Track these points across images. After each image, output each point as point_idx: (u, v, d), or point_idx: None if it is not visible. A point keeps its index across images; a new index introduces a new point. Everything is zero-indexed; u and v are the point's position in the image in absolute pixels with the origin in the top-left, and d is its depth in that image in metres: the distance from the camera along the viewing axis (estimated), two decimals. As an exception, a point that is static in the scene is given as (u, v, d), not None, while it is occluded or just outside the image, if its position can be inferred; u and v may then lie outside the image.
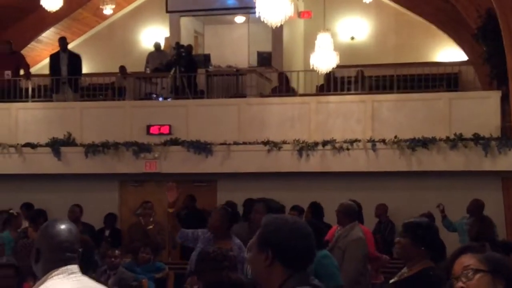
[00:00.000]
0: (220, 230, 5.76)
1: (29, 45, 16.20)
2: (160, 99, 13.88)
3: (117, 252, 7.33)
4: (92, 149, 12.60)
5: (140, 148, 12.52)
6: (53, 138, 12.75)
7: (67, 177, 12.89)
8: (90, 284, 2.92)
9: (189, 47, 14.53)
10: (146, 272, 7.91)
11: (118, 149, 12.59)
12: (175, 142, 12.54)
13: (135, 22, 17.45)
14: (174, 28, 16.01)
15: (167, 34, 16.45)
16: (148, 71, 14.77)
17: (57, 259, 2.85)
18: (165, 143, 12.55)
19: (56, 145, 12.72)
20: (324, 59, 11.53)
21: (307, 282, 2.52)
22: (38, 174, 12.86)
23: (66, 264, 2.85)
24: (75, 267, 2.88)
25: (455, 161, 11.69)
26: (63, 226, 2.91)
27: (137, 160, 12.58)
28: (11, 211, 10.89)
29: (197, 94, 13.40)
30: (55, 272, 2.82)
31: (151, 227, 9.73)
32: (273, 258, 2.49)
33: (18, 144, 12.83)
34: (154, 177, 12.89)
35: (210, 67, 15.08)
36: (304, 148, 12.13)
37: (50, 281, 2.80)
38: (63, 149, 12.73)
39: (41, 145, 12.78)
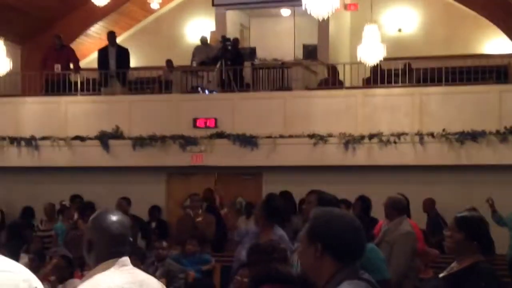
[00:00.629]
0: (261, 221, 5.77)
1: (77, 39, 16.44)
2: (206, 92, 13.94)
3: (164, 244, 7.40)
4: (139, 142, 12.74)
5: (186, 141, 12.61)
6: (102, 131, 12.91)
7: (115, 169, 13.05)
8: (142, 276, 2.91)
9: (236, 40, 14.55)
10: (193, 264, 7.98)
11: (165, 142, 12.69)
12: (221, 135, 12.59)
13: (182, 16, 17.57)
14: (220, 22, 16.05)
15: (213, 27, 16.51)
16: (194, 64, 14.85)
17: (109, 251, 2.85)
18: (211, 136, 12.60)
19: (104, 138, 12.88)
20: (371, 51, 11.42)
21: (357, 275, 2.51)
22: (87, 167, 13.06)
23: (117, 256, 2.85)
24: (126, 260, 2.87)
25: (505, 154, 11.46)
26: (115, 218, 2.91)
27: (183, 153, 12.67)
28: (63, 202, 11.14)
29: (243, 87, 13.42)
30: (106, 264, 2.82)
31: (199, 219, 9.78)
32: (323, 250, 2.48)
33: (67, 137, 13.04)
34: (200, 170, 12.97)
35: (256, 60, 15.07)
36: (350, 141, 12.05)
37: (101, 274, 2.80)
38: (111, 142, 12.89)
39: (90, 138, 12.96)
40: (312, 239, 2.52)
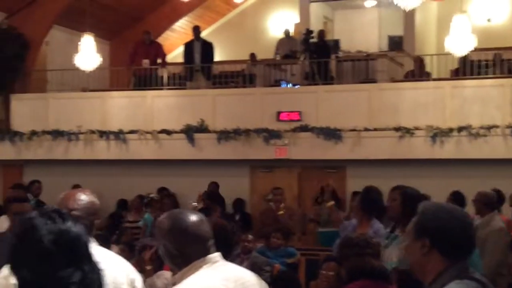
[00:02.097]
0: (358, 214, 5.70)
1: (163, 35, 16.72)
2: (290, 85, 13.90)
3: (250, 237, 7.40)
4: (224, 135, 12.82)
5: (270, 135, 12.60)
6: (187, 124, 13.07)
7: (200, 163, 13.21)
8: (237, 271, 2.84)
9: (322, 32, 14.41)
10: (278, 257, 7.96)
11: (249, 136, 12.73)
12: (304, 128, 12.52)
13: (265, 9, 17.58)
14: (304, 14, 15.97)
15: (297, 20, 16.44)
16: (278, 57, 14.83)
17: (198, 249, 2.75)
18: (294, 130, 12.55)
19: (189, 132, 13.03)
20: (460, 42, 11.06)
21: (467, 274, 2.39)
22: (173, 160, 13.26)
23: (207, 253, 2.76)
24: (217, 255, 2.79)
25: None
26: (194, 217, 2.79)
27: (267, 146, 12.67)
28: (151, 195, 11.35)
29: (327, 80, 13.30)
30: (199, 263, 2.73)
31: (282, 212, 9.77)
32: (431, 246, 2.39)
33: (154, 130, 13.27)
34: (284, 163, 12.95)
35: (340, 52, 14.92)
36: (438, 134, 11.74)
37: (196, 274, 2.71)
38: (196, 135, 13.03)
39: (175, 132, 13.14)
40: (419, 234, 2.43)
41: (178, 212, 2.88)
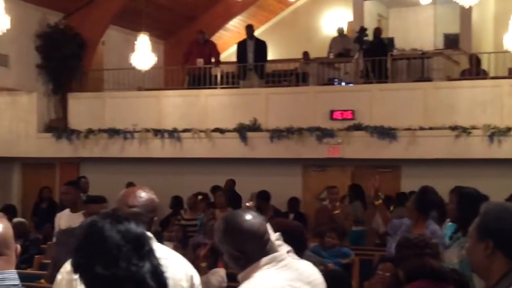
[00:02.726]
0: (413, 215, 5.61)
1: (217, 34, 16.81)
2: (343, 84, 13.80)
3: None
4: (276, 134, 12.82)
5: (323, 133, 12.54)
6: (240, 123, 13.12)
7: (253, 161, 13.24)
8: (304, 270, 2.79)
9: (377, 30, 14.26)
10: (332, 256, 7.91)
11: (302, 134, 12.69)
12: (358, 127, 12.42)
13: (319, 8, 17.51)
14: (358, 12, 15.85)
15: (351, 18, 16.32)
16: (331, 56, 14.75)
17: (256, 246, 2.70)
18: (348, 128, 12.46)
19: (242, 130, 13.08)
20: (519, 39, 10.80)
21: None
22: (226, 158, 13.33)
23: (266, 249, 2.71)
24: (283, 253, 2.75)
25: None
26: (248, 217, 2.76)
27: (320, 145, 12.61)
28: (199, 197, 11.42)
29: (382, 78, 13.16)
30: (263, 262, 2.67)
31: (337, 212, 9.70)
32: (494, 247, 2.32)
33: (207, 129, 13.35)
34: (336, 162, 12.88)
35: (394, 50, 14.74)
36: (496, 133, 11.49)
37: (259, 273, 2.66)
38: (249, 134, 13.06)
39: (228, 130, 13.20)
40: (482, 236, 2.36)
41: (231, 213, 2.89)
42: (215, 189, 12.19)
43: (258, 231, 2.71)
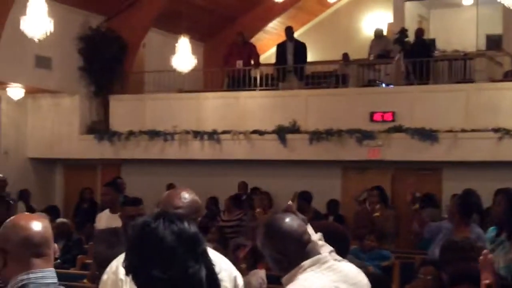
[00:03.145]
0: (455, 218, 5.53)
1: (256, 36, 16.83)
2: (384, 85, 13.70)
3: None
4: (316, 136, 12.77)
5: (363, 135, 12.46)
6: (279, 125, 13.11)
7: (291, 163, 13.22)
8: (349, 271, 2.77)
9: (419, 31, 14.09)
10: (371, 259, 7.86)
11: (342, 136, 12.62)
12: (398, 129, 12.30)
13: (359, 9, 17.42)
14: (398, 14, 15.73)
15: (391, 19, 16.19)
16: (371, 57, 14.66)
17: (297, 248, 2.70)
18: (388, 130, 12.36)
19: (281, 132, 13.06)
20: None
21: None
22: (265, 160, 13.33)
23: (306, 250, 2.71)
24: (326, 255, 2.74)
25: None
26: (288, 219, 2.77)
27: (360, 147, 12.53)
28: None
29: (423, 79, 13.02)
30: (307, 263, 2.68)
31: (377, 214, 9.63)
32: None
33: (246, 131, 13.37)
34: (376, 165, 12.78)
35: (436, 52, 14.58)
36: (539, 135, 11.28)
37: (303, 276, 2.66)
38: (289, 136, 13.04)
39: (267, 132, 13.20)
40: None
41: (271, 216, 2.90)
42: (253, 190, 12.20)
43: (296, 232, 2.71)
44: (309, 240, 2.75)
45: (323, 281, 2.64)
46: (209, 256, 2.03)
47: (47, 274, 2.35)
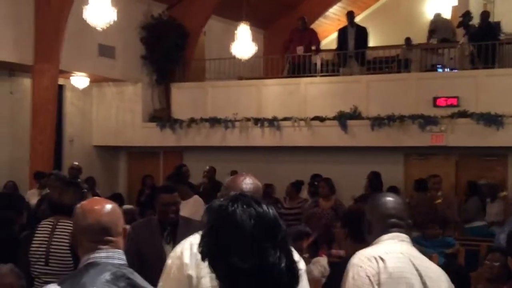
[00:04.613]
0: None
1: (316, 22, 16.72)
2: (447, 70, 13.42)
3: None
4: (377, 122, 12.63)
5: (426, 121, 12.26)
6: (340, 111, 13.01)
7: (353, 149, 13.12)
8: (417, 254, 2.93)
9: (485, 14, 13.71)
10: (435, 247, 7.72)
11: (404, 122, 12.45)
12: (463, 114, 12.05)
13: (421, -8, 17.10)
14: (463, -4, 15.35)
15: (455, 2, 15.83)
16: (434, 41, 14.36)
17: (384, 226, 2.95)
18: (452, 116, 12.12)
19: (342, 119, 12.97)
20: None
21: None
22: (325, 147, 13.27)
23: (395, 232, 2.92)
24: (405, 236, 2.93)
25: None
26: (389, 197, 3.05)
27: (422, 133, 12.34)
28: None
29: (488, 63, 12.69)
30: (386, 236, 2.91)
31: (439, 201, 9.48)
32: None
33: (307, 117, 13.33)
34: (440, 150, 12.57)
35: (501, 35, 14.17)
36: None
37: (380, 244, 2.91)
38: (349, 122, 12.94)
39: (328, 119, 13.13)
40: None
41: (382, 193, 3.37)
42: (315, 177, 12.15)
43: (387, 210, 2.96)
44: (395, 223, 2.92)
45: (393, 248, 2.86)
46: (288, 244, 1.87)
47: (113, 255, 2.43)
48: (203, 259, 1.88)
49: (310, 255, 6.11)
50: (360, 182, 11.24)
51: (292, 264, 1.84)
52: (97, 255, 2.41)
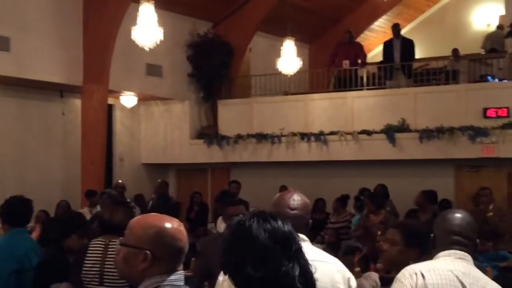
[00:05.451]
0: None
1: (361, 35, 16.66)
2: (497, 80, 13.20)
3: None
4: (426, 134, 12.48)
5: (476, 132, 12.05)
6: (387, 124, 12.90)
7: (401, 163, 12.97)
8: (476, 273, 2.92)
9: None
10: (488, 260, 7.56)
11: (453, 134, 12.27)
12: (514, 125, 11.83)
13: (467, 3, 16.92)
14: (510, 6, 15.08)
15: (502, 12, 15.58)
16: (483, 52, 14.15)
17: (445, 242, 2.95)
18: (503, 127, 11.90)
19: (390, 132, 12.85)
20: None
21: None
22: (373, 160, 13.15)
23: (456, 249, 2.92)
24: (463, 254, 2.92)
25: None
26: (457, 214, 3.04)
27: (473, 144, 12.14)
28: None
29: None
30: (442, 253, 2.93)
31: (490, 214, 9.29)
32: None
33: (354, 131, 13.25)
34: (491, 162, 12.33)
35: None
36: None
37: (433, 260, 2.94)
38: (397, 135, 12.81)
39: (375, 132, 13.02)
40: None
41: (452, 209, 3.34)
42: (363, 191, 12.04)
43: (451, 228, 2.96)
44: (457, 241, 2.93)
45: (447, 265, 2.86)
46: (304, 256, 2.04)
47: (179, 277, 2.36)
48: (224, 272, 2.08)
49: (361, 270, 6.06)
50: (410, 196, 11.09)
51: (307, 273, 2.02)
52: (165, 277, 2.30)
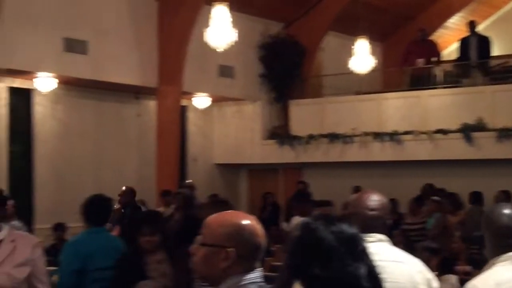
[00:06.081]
0: None
1: (435, 33, 16.33)
2: None
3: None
4: (504, 133, 12.15)
5: (557, 131, 11.64)
6: (464, 123, 12.62)
7: (478, 162, 12.65)
8: None
9: None
10: None
11: (533, 133, 11.89)
12: None
13: (547, -3, 16.33)
14: None
15: None
16: None
17: (500, 244, 2.81)
18: None
19: (467, 131, 12.57)
20: None
21: None
22: (449, 160, 12.88)
23: (509, 250, 2.79)
24: None
25: None
26: (506, 211, 2.86)
27: (554, 144, 11.73)
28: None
29: None
30: (500, 258, 2.80)
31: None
32: None
33: (429, 130, 13.01)
34: None
35: None
36: None
37: (494, 267, 2.80)
38: (474, 134, 12.52)
39: (451, 131, 12.76)
40: None
41: (499, 205, 3.02)
42: (438, 192, 11.79)
43: (502, 229, 2.81)
44: (508, 237, 2.78)
45: (508, 274, 2.72)
46: (370, 257, 2.09)
47: (259, 274, 2.32)
48: (290, 271, 2.13)
49: (439, 273, 5.93)
50: (488, 196, 10.83)
51: (373, 273, 2.06)
52: (251, 275, 2.27)
